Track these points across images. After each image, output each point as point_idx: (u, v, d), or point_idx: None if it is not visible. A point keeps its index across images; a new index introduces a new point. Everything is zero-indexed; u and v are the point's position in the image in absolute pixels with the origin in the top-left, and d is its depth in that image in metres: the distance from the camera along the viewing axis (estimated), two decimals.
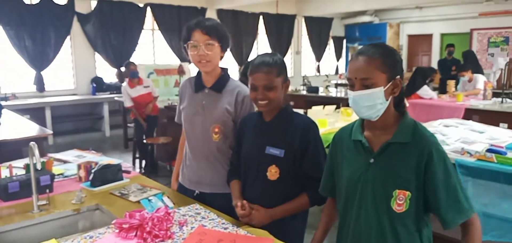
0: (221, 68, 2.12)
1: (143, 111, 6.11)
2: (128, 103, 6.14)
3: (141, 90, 6.14)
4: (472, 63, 7.01)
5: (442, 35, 12.40)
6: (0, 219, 1.93)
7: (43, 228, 1.96)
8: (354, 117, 2.11)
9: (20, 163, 2.65)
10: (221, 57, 2.08)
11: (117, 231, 1.67)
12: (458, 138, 3.32)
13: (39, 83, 8.44)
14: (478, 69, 7.30)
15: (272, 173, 1.80)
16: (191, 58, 2.02)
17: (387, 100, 1.40)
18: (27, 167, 2.41)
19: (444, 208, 1.37)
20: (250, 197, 1.85)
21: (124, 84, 6.18)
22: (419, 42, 13.11)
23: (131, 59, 9.45)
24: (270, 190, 1.81)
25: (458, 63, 9.01)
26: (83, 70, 9.04)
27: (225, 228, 1.73)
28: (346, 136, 1.56)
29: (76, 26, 8.79)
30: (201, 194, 2.13)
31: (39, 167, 1.88)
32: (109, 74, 9.29)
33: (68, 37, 8.74)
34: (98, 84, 8.96)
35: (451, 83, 6.85)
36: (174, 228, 1.72)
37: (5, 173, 2.34)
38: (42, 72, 8.43)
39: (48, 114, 7.92)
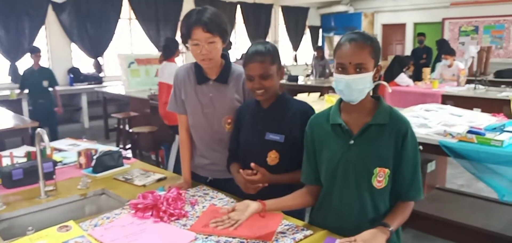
0: (222, 55, 2.06)
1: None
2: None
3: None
4: (446, 50, 7.28)
5: (415, 24, 12.73)
6: (8, 205, 1.95)
7: (51, 213, 2.00)
8: None
9: (20, 151, 2.65)
10: (223, 47, 2.02)
11: (132, 211, 1.74)
12: (439, 121, 3.50)
13: (14, 74, 8.23)
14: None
15: (272, 158, 1.85)
16: (193, 55, 1.96)
17: (373, 84, 1.52)
18: (28, 154, 2.42)
19: (407, 184, 1.54)
20: None
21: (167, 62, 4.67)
22: (393, 31, 13.42)
23: (108, 49, 9.40)
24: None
25: (430, 51, 9.38)
26: (59, 61, 8.85)
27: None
28: (323, 122, 1.65)
29: (51, 15, 8.59)
30: (215, 180, 2.15)
31: (49, 152, 1.90)
32: (85, 64, 9.16)
33: (43, 27, 8.55)
34: (75, 75, 8.81)
35: (426, 70, 7.11)
36: (187, 207, 1.79)
37: (6, 161, 2.35)
38: (16, 63, 8.23)
39: (24, 105, 7.73)
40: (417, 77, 7.87)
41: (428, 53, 9.43)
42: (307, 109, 1.87)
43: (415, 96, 6.03)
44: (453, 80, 6.74)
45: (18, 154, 2.56)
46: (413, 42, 12.44)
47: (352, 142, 1.55)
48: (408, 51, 11.69)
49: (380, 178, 1.52)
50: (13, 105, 7.20)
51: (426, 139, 3.10)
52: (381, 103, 1.58)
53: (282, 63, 1.92)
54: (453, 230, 3.29)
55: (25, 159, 2.42)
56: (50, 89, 6.34)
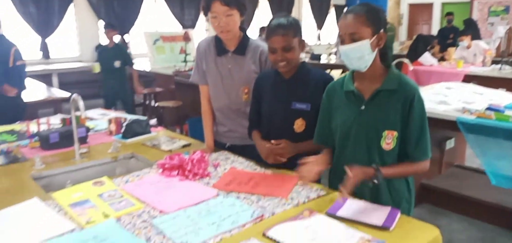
0: (240, 28, 2.17)
1: None
2: None
3: None
4: (472, 31, 7.16)
5: (443, 4, 12.47)
6: (47, 164, 2.13)
7: (85, 173, 2.16)
8: None
9: (56, 119, 2.84)
10: (241, 21, 2.14)
11: (160, 170, 1.88)
12: (459, 99, 3.52)
13: (45, 50, 8.55)
14: (477, 37, 7.46)
15: (299, 125, 1.95)
16: (212, 27, 2.09)
17: (373, 51, 1.59)
18: (63, 121, 2.60)
19: (413, 144, 1.62)
20: None
21: None
22: (420, 11, 13.18)
23: (134, 27, 9.59)
24: (296, 142, 1.94)
25: (457, 30, 9.19)
26: (87, 37, 9.11)
27: (254, 169, 1.95)
28: (338, 88, 1.76)
29: None
30: (232, 147, 2.27)
31: (83, 116, 2.06)
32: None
33: (72, 4, 8.80)
34: None
35: (451, 50, 7.02)
36: (210, 169, 1.92)
37: (44, 127, 2.53)
38: (46, 40, 8.53)
39: (55, 80, 8.04)
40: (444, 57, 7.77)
41: (456, 33, 9.26)
42: (330, 78, 1.95)
43: (438, 75, 5.99)
44: (476, 63, 6.63)
45: (54, 122, 2.74)
46: (440, 22, 12.21)
47: (363, 107, 1.65)
48: (434, 32, 11.49)
49: (389, 140, 1.62)
50: (44, 78, 7.54)
51: (444, 115, 3.14)
52: (391, 70, 1.66)
53: (305, 40, 1.98)
54: (469, 205, 3.34)
55: (61, 125, 2.60)
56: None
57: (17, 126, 2.85)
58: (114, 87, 5.79)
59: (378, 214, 1.46)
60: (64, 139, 2.37)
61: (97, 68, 6.03)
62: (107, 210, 1.51)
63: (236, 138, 2.27)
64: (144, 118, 2.75)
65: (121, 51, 5.84)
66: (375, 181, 1.56)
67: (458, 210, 3.41)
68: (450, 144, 3.85)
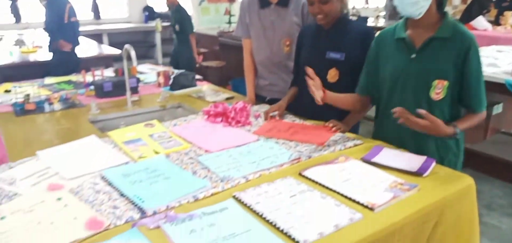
0: None
1: None
2: None
3: None
4: None
5: None
6: (102, 110, 2.31)
7: (136, 119, 2.32)
8: None
9: (109, 71, 3.03)
10: None
11: (205, 116, 2.00)
12: (509, 61, 3.40)
13: (96, 11, 8.87)
14: None
15: (332, 75, 1.97)
16: None
17: None
18: (115, 71, 2.77)
19: (472, 95, 1.58)
20: (310, 99, 2.06)
21: None
22: None
23: None
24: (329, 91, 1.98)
25: None
26: None
27: (293, 120, 2.02)
28: (388, 37, 1.73)
29: None
30: (272, 100, 2.32)
31: (135, 64, 2.20)
32: (159, 3, 9.57)
33: None
34: (149, 13, 9.29)
35: (507, 14, 6.64)
36: (250, 119, 2.02)
37: (98, 78, 2.71)
38: (97, 1, 8.83)
39: (105, 40, 8.37)
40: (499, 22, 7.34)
41: None
42: (368, 30, 1.96)
43: (491, 40, 5.70)
44: None
45: (107, 74, 2.93)
46: None
47: (413, 56, 1.62)
48: None
49: (439, 90, 1.58)
50: (95, 37, 7.87)
51: (493, 77, 3.05)
52: (446, 17, 1.60)
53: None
54: None
55: (114, 76, 2.78)
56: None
57: (74, 77, 3.07)
58: (175, 49, 5.83)
59: (413, 161, 1.50)
60: (117, 88, 2.54)
61: (159, 27, 6.46)
62: (157, 148, 1.65)
63: (276, 92, 2.34)
64: (191, 72, 2.87)
65: (179, 16, 5.64)
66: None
67: (501, 176, 3.35)
68: (497, 109, 3.73)
